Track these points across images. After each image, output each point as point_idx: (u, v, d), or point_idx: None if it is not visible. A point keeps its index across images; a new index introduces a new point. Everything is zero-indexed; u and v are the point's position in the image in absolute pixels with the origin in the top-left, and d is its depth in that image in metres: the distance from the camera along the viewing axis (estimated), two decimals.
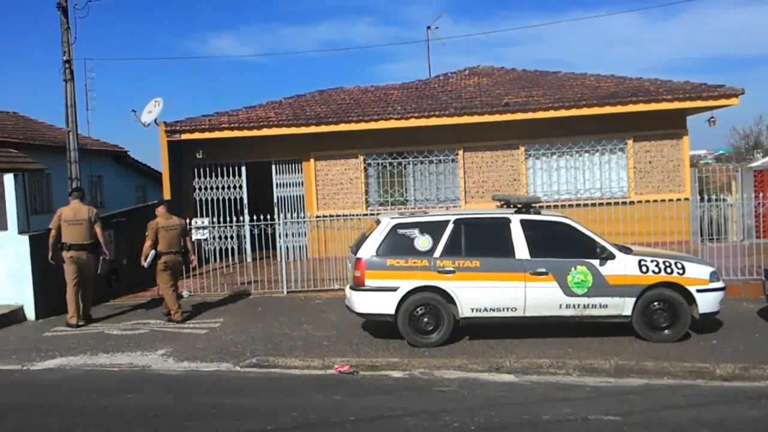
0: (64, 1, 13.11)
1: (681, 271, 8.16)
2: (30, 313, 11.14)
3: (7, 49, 62.76)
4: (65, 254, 10.26)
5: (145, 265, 10.42)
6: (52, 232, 10.25)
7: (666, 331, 8.13)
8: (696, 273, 8.22)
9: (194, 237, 13.08)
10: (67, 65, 13.27)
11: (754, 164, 19.60)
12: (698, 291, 8.11)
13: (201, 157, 16.29)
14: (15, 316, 10.97)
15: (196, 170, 16.56)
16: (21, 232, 11.24)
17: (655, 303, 8.15)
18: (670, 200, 13.09)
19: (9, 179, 11.29)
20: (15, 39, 62.57)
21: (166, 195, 16.10)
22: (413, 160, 16.26)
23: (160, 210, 10.74)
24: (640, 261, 8.21)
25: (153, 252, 10.32)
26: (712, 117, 15.78)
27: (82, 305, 10.43)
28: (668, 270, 8.17)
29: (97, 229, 10.42)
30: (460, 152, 16.15)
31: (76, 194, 11.07)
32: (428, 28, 22.99)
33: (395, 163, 16.29)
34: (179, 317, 10.30)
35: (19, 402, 6.76)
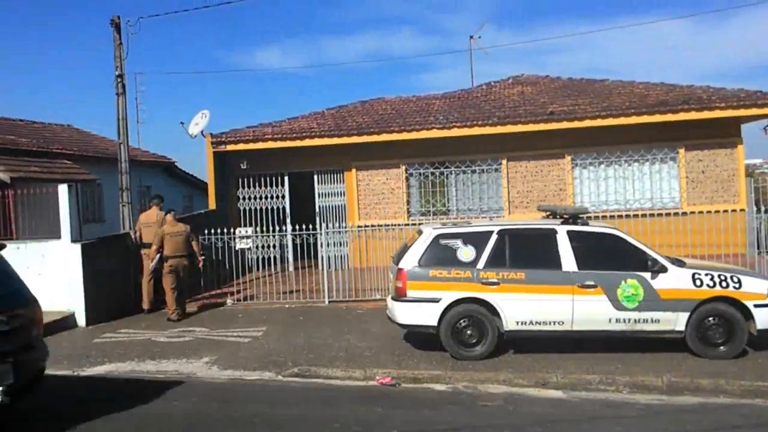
0: (117, 18, 13.56)
1: (737, 285, 7.83)
2: (81, 319, 11.41)
3: (63, 64, 65.01)
4: (165, 264, 11.55)
5: (151, 267, 11.79)
6: (136, 235, 12.42)
7: (721, 347, 7.80)
8: (753, 287, 7.87)
9: (237, 246, 13.31)
10: (119, 79, 13.61)
11: None
12: (756, 306, 7.76)
13: (245, 167, 16.49)
14: (67, 322, 11.24)
15: (240, 180, 16.78)
16: (74, 240, 11.54)
17: (710, 318, 7.83)
18: (725, 211, 12.59)
19: (63, 190, 11.62)
20: (69, 54, 64.79)
21: (212, 205, 16.50)
22: (455, 169, 16.12)
23: (168, 218, 11.84)
24: (693, 274, 7.92)
25: (158, 256, 11.60)
26: (767, 125, 15.21)
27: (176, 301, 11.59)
28: (723, 284, 7.85)
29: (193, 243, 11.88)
30: (504, 162, 15.94)
31: (155, 201, 12.86)
32: (471, 37, 22.88)
33: (437, 173, 16.18)
34: (175, 316, 11.40)
35: (69, 408, 6.86)
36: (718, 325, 7.80)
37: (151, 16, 13.68)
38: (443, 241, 8.38)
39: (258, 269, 15.14)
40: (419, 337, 8.82)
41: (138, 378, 8.02)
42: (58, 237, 11.59)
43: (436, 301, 8.14)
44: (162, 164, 23.25)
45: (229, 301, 12.68)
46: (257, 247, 15.16)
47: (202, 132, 16.23)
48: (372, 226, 14.00)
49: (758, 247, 11.74)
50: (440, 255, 8.31)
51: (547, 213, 9.33)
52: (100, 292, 11.68)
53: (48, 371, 8.20)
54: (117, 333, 10.63)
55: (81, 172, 16.68)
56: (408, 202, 16.35)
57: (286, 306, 12.24)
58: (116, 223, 14.12)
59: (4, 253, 6.64)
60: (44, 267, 11.46)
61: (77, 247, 11.45)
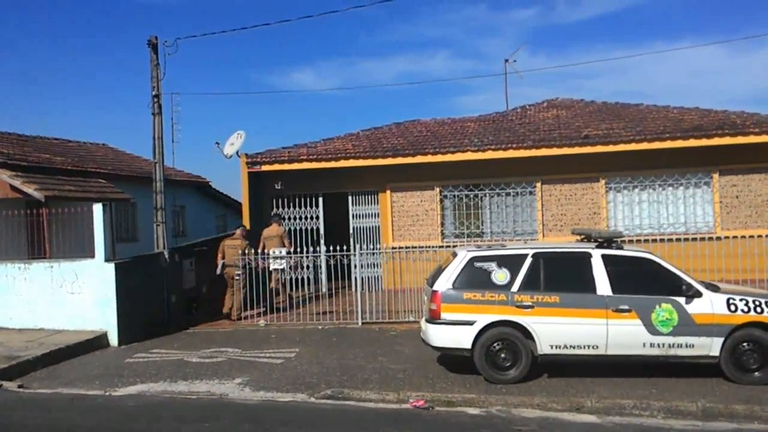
0: (155, 38, 13.69)
1: None
2: (113, 339, 11.48)
3: (98, 84, 66.74)
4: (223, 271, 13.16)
5: (217, 272, 13.31)
6: (259, 247, 14.00)
7: (756, 373, 7.78)
8: None
9: (271, 267, 13.46)
10: (155, 99, 13.69)
11: None
12: None
13: (279, 187, 16.67)
14: (99, 341, 11.32)
15: (274, 201, 16.96)
16: (107, 260, 11.64)
17: (745, 343, 7.83)
18: (759, 236, 12.51)
19: (98, 209, 11.73)
20: (106, 74, 66.51)
21: (246, 224, 16.51)
22: (489, 192, 16.24)
23: (237, 233, 13.85)
24: (728, 299, 7.93)
25: (222, 263, 13.25)
26: None
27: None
28: (758, 309, 7.85)
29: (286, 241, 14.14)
30: (538, 185, 16.02)
31: (275, 219, 14.79)
32: (506, 61, 22.98)
33: (471, 195, 16.31)
34: (233, 316, 13.04)
35: (101, 427, 6.99)
36: (753, 350, 7.79)
37: (188, 36, 13.73)
38: (477, 264, 8.47)
39: (292, 290, 15.35)
40: (453, 360, 8.85)
41: (170, 398, 8.08)
42: (92, 256, 11.68)
43: (470, 323, 8.22)
44: (196, 184, 23.35)
45: (261, 322, 12.78)
46: (291, 267, 15.34)
47: (237, 152, 16.35)
48: (406, 247, 14.07)
49: None
50: (474, 278, 8.40)
51: (582, 236, 9.38)
52: (133, 312, 11.71)
53: (79, 391, 8.46)
54: (149, 353, 10.69)
55: (115, 191, 16.76)
56: (442, 224, 16.48)
57: (319, 327, 12.30)
58: (150, 242, 14.09)
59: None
60: (77, 286, 11.62)
61: (111, 266, 11.52)
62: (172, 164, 15.77)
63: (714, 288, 8.26)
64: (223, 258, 13.41)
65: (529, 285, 8.25)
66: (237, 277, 13.06)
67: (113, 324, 11.47)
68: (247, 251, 13.25)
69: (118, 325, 11.47)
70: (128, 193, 17.23)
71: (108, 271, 11.52)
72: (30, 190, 13.61)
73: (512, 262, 8.41)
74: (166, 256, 13.02)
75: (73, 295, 11.70)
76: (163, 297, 12.79)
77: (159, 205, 13.64)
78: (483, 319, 8.21)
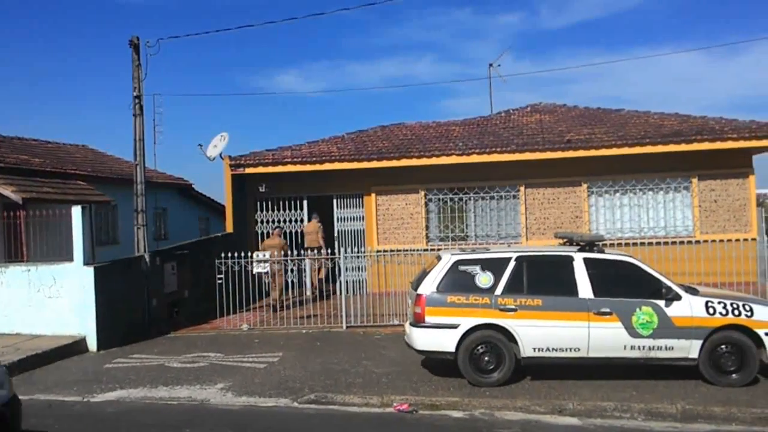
0: (136, 39, 13.52)
1: (749, 314, 7.97)
2: (92, 344, 11.31)
3: (79, 84, 66.19)
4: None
5: (258, 269, 13.60)
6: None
7: (734, 375, 7.93)
8: (765, 315, 8.00)
9: (255, 270, 13.32)
10: (137, 100, 13.50)
11: None
12: (767, 334, 7.89)
13: (264, 190, 16.59)
14: (78, 346, 11.15)
15: (258, 203, 16.96)
16: (86, 263, 11.45)
17: (723, 346, 7.97)
18: (737, 240, 12.76)
19: (77, 211, 11.55)
20: (86, 74, 65.97)
21: (229, 228, 16.45)
22: (474, 195, 16.36)
23: (274, 234, 14.93)
24: (707, 302, 8.07)
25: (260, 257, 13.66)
26: None
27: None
28: (736, 312, 7.99)
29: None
30: (522, 188, 16.18)
31: (315, 216, 15.79)
32: (490, 65, 23.14)
33: (456, 199, 16.42)
34: (271, 302, 13.85)
35: None
36: (731, 353, 7.94)
37: (171, 37, 13.49)
38: (462, 267, 8.54)
39: (283, 294, 15.30)
40: (437, 363, 8.90)
41: (150, 405, 8.01)
42: (71, 260, 11.51)
43: (454, 327, 8.28)
44: (179, 186, 23.09)
45: (244, 326, 12.68)
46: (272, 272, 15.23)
47: (220, 154, 16.26)
48: (391, 251, 14.15)
49: None
50: (459, 281, 8.46)
51: (564, 240, 9.48)
52: (112, 317, 11.55)
53: (57, 397, 8.32)
54: (129, 358, 10.58)
55: (95, 194, 16.54)
56: (427, 228, 16.58)
57: (303, 331, 12.25)
58: (131, 245, 13.89)
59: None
60: (55, 290, 11.45)
61: (90, 270, 11.34)
62: (153, 166, 15.59)
63: (693, 291, 8.39)
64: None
65: (512, 288, 8.33)
66: (277, 271, 13.76)
67: (92, 329, 11.31)
68: (285, 248, 14.27)
69: (98, 330, 11.31)
70: (109, 196, 17.03)
71: (87, 275, 11.35)
72: (7, 192, 13.42)
73: (496, 266, 8.48)
74: (147, 260, 12.87)
75: (51, 300, 11.51)
76: (144, 301, 12.63)
77: (140, 207, 13.51)
78: (467, 323, 8.27)
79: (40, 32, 62.38)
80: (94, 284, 11.33)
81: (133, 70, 13.58)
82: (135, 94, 13.54)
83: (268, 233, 16.59)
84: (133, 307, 12.34)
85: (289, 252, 14.41)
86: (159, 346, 11.52)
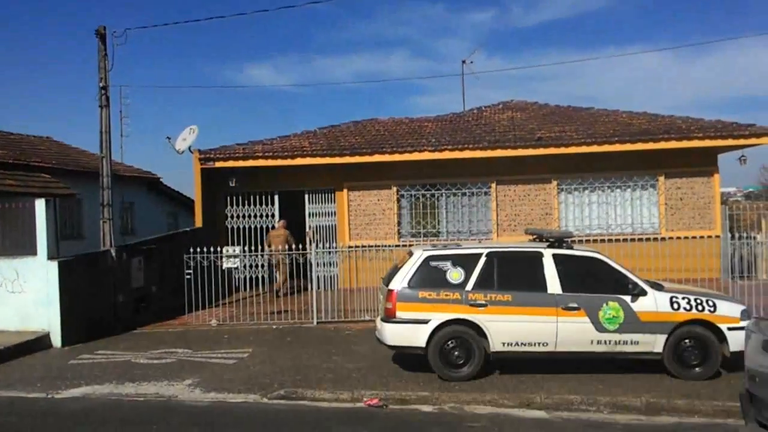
0: (102, 28, 13.22)
1: (712, 309, 8.16)
2: (56, 339, 11.12)
3: (43, 75, 64.88)
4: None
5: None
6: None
7: (697, 368, 8.12)
8: (727, 311, 8.21)
9: (225, 266, 13.15)
10: (103, 92, 13.25)
11: None
12: (729, 329, 8.08)
13: (234, 185, 16.42)
14: (42, 342, 10.96)
15: (228, 198, 16.79)
16: (50, 258, 11.25)
17: (686, 340, 8.15)
18: (701, 237, 13.07)
19: (40, 204, 11.34)
20: (51, 65, 64.67)
21: (198, 222, 16.27)
22: (446, 192, 16.45)
23: (279, 225, 15.55)
24: (671, 298, 8.23)
25: (268, 249, 14.40)
26: (742, 155, 15.78)
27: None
28: (699, 307, 8.18)
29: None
30: (493, 185, 16.31)
31: (283, 222, 15.79)
32: (463, 62, 23.26)
33: (428, 195, 16.49)
34: (281, 292, 14.87)
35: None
36: (694, 347, 8.12)
37: (138, 27, 13.24)
38: (433, 263, 8.58)
39: (245, 289, 15.20)
40: (407, 358, 8.94)
41: (116, 401, 7.91)
42: (34, 254, 11.28)
43: (425, 322, 8.32)
44: (146, 180, 22.74)
45: (213, 321, 12.54)
46: (245, 266, 15.14)
47: (189, 148, 16.07)
48: (363, 246, 14.13)
49: (731, 272, 12.14)
50: (430, 276, 8.51)
51: (534, 236, 9.57)
52: (77, 312, 11.37)
53: (20, 394, 8.14)
54: (94, 354, 10.42)
55: (60, 187, 16.21)
56: (399, 223, 16.62)
57: (274, 327, 12.20)
58: (96, 240, 13.71)
59: None
60: (18, 285, 11.25)
61: (54, 264, 11.16)
62: (120, 159, 15.37)
63: (658, 287, 8.56)
64: (270, 246, 14.73)
65: (482, 284, 8.40)
66: (284, 261, 14.17)
67: (56, 324, 11.13)
68: (289, 239, 14.71)
69: (62, 326, 11.13)
70: (74, 189, 16.74)
71: (51, 270, 11.16)
72: None
73: (467, 262, 8.55)
74: (113, 255, 12.70)
75: (13, 294, 11.30)
76: (110, 296, 12.43)
77: (106, 201, 13.30)
78: (437, 318, 8.32)
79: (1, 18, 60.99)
80: (59, 279, 11.14)
81: (99, 60, 13.30)
82: (101, 84, 13.27)
83: (238, 228, 16.51)
84: (99, 303, 12.13)
85: (292, 243, 14.38)
86: (125, 342, 11.37)
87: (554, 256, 8.50)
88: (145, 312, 13.30)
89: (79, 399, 8.04)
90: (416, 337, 8.35)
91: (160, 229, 20.41)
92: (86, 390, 8.38)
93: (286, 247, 14.18)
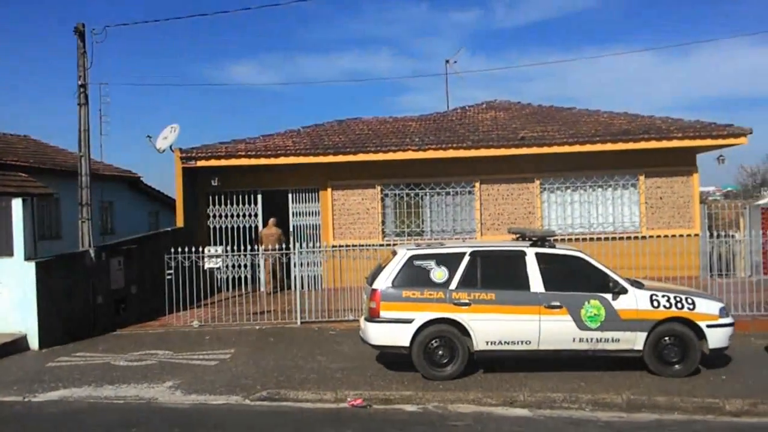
0: (81, 25, 13.07)
1: (691, 307, 8.28)
2: (34, 342, 10.92)
3: (21, 73, 64.08)
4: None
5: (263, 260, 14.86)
6: None
7: (677, 365, 8.23)
8: (706, 308, 8.33)
9: (206, 266, 13.02)
10: (82, 89, 13.07)
11: (762, 201, 19.76)
12: (708, 326, 8.22)
13: (216, 184, 16.27)
14: (18, 345, 10.76)
15: (210, 197, 16.65)
16: (27, 258, 11.06)
17: (666, 338, 8.27)
18: (680, 236, 13.25)
19: (17, 204, 11.15)
20: (29, 62, 63.89)
21: (180, 222, 16.08)
22: (430, 191, 16.50)
23: (270, 223, 15.63)
24: (651, 296, 8.34)
25: (261, 248, 14.14)
26: (721, 155, 16.05)
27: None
28: (679, 305, 8.29)
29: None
30: (477, 184, 16.39)
31: (274, 220, 15.86)
32: (447, 61, 23.35)
33: (412, 194, 16.53)
34: (268, 290, 15.07)
35: None
36: (674, 344, 8.24)
37: (119, 25, 13.05)
38: (417, 262, 8.61)
39: (228, 290, 15.10)
40: (391, 358, 8.95)
41: (95, 404, 7.80)
42: (10, 254, 11.07)
43: (409, 321, 8.35)
44: (126, 179, 22.45)
45: (195, 322, 12.40)
46: (227, 266, 14.95)
47: (170, 146, 15.88)
48: (346, 246, 14.07)
49: (710, 270, 12.32)
50: (414, 276, 8.54)
51: (517, 235, 9.63)
52: (55, 314, 11.18)
53: None
54: (73, 356, 10.25)
55: (37, 186, 15.95)
56: (383, 223, 16.64)
57: (257, 327, 12.09)
58: (75, 240, 13.50)
59: None
60: None
61: (31, 265, 10.96)
62: (99, 158, 15.11)
63: (639, 285, 8.66)
64: (262, 245, 14.74)
65: (466, 283, 8.45)
66: (280, 260, 14.03)
67: (33, 326, 10.93)
68: (282, 237, 15.09)
69: (39, 328, 10.93)
70: (51, 188, 16.47)
71: (28, 271, 10.95)
72: None
73: (450, 261, 8.59)
74: (92, 255, 12.49)
75: None
76: (89, 298, 12.22)
77: (84, 200, 13.12)
78: (422, 317, 8.35)
79: None
80: (36, 280, 10.94)
81: (78, 57, 13.14)
82: (80, 82, 13.10)
83: (221, 228, 16.42)
84: (78, 304, 11.94)
85: (284, 242, 14.54)
86: (104, 343, 11.21)
87: (537, 255, 8.57)
88: (125, 313, 13.09)
89: (57, 402, 7.92)
90: (400, 336, 8.37)
91: (141, 228, 20.13)
92: (64, 393, 8.25)
93: (281, 246, 14.13)
